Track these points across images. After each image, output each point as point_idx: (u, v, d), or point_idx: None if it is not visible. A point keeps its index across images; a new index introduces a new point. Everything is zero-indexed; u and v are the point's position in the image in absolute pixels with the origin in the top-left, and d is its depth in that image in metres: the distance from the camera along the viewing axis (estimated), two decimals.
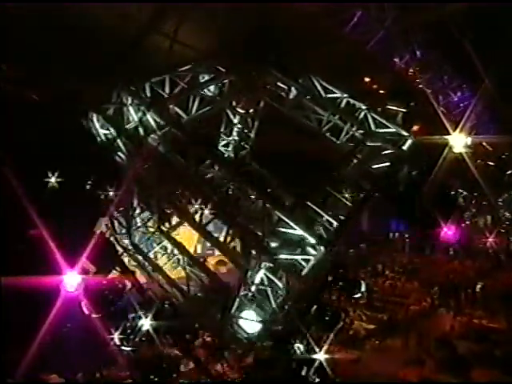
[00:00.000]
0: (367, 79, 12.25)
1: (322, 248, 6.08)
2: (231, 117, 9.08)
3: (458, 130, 9.83)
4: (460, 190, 22.23)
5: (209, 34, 10.91)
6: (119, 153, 7.37)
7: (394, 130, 7.45)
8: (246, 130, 9.55)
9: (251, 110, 8.71)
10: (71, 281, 7.00)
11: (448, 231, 15.77)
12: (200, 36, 10.69)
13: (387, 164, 7.25)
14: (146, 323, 9.55)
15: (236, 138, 9.74)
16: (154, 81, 7.49)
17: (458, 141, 9.69)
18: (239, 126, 9.18)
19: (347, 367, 10.87)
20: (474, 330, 12.65)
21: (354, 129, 7.60)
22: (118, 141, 7.15)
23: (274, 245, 6.32)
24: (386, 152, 7.35)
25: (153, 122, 6.99)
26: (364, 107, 7.64)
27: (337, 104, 7.62)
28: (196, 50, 10.02)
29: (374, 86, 12.47)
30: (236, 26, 9.56)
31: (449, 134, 9.60)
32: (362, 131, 7.58)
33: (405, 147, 7.35)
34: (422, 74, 10.62)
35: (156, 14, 9.41)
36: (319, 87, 7.67)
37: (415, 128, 12.67)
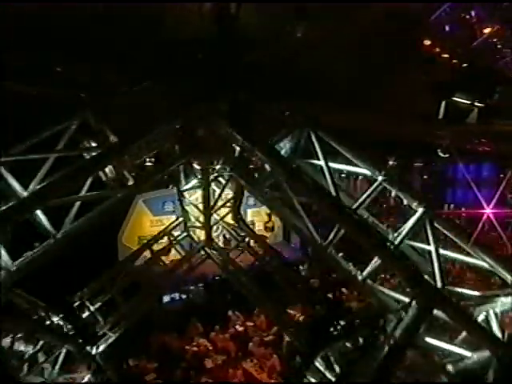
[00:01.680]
0: (428, 42, 10.05)
1: None
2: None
3: None
4: None
5: None
6: None
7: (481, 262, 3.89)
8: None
9: (218, 166, 5.45)
10: None
11: None
12: None
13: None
14: None
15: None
16: None
17: None
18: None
19: None
20: None
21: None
22: None
23: None
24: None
25: None
26: (421, 209, 4.10)
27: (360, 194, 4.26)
28: None
29: (437, 50, 10.26)
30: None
31: None
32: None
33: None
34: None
35: None
36: (320, 154, 4.28)
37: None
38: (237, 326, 11.91)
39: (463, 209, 25.83)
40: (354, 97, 7.89)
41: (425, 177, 23.05)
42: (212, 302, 13.75)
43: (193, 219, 7.77)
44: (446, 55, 10.61)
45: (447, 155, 15.51)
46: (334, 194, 4.47)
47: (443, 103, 8.88)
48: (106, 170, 4.61)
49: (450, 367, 4.06)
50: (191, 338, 11.15)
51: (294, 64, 7.44)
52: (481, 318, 4.02)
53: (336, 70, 7.12)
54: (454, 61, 9.84)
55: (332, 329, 4.91)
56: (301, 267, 17.72)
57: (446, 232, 4.18)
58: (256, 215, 22.28)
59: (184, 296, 14.25)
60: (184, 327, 11.67)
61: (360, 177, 20.92)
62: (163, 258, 18.62)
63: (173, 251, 20.35)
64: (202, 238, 8.16)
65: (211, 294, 14.29)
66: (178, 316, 12.55)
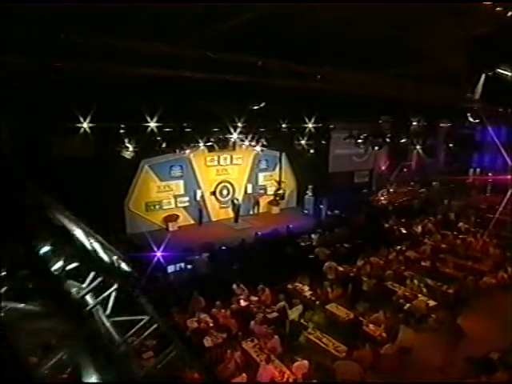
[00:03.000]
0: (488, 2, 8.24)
1: None
2: None
3: None
4: None
5: None
6: None
7: None
8: None
9: None
10: None
11: None
12: None
13: None
14: None
15: None
16: None
17: None
18: None
19: (392, 358, 9.14)
20: None
21: None
22: None
23: None
24: None
25: None
26: None
27: None
28: None
29: (498, 9, 8.47)
30: None
31: None
32: None
33: None
34: None
35: None
36: None
37: None
38: (241, 301, 11.42)
39: (490, 174, 24.36)
40: (374, 56, 6.57)
41: (450, 145, 21.27)
42: (217, 273, 13.27)
43: None
44: (488, 2, 8.87)
45: (478, 120, 13.94)
46: None
47: (482, 78, 6.82)
48: None
49: None
50: (193, 313, 10.76)
51: (308, 19, 6.14)
52: None
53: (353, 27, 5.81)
54: (499, 8, 8.15)
55: None
56: (313, 236, 16.98)
57: None
58: (268, 179, 21.43)
59: (189, 266, 13.79)
60: (187, 300, 11.26)
61: (376, 147, 19.45)
62: (171, 224, 18.20)
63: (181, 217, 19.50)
64: None
65: (216, 264, 13.77)
66: (180, 288, 12.15)
